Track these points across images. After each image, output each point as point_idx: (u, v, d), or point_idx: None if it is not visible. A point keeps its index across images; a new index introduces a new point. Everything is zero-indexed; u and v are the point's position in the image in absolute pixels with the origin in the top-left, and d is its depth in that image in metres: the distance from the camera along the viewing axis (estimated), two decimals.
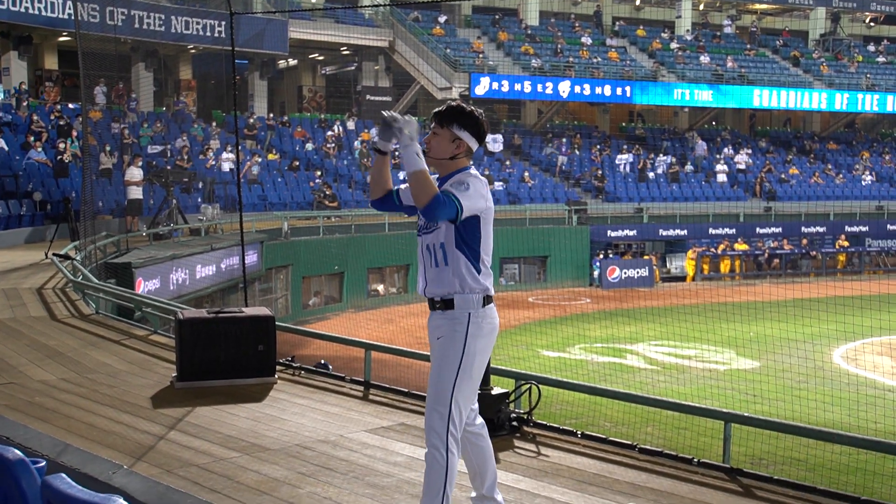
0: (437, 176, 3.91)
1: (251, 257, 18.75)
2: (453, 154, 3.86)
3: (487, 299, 3.86)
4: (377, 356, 7.31)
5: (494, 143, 32.86)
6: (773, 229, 31.66)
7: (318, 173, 27.93)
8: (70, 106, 26.06)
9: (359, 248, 23.76)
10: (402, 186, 4.04)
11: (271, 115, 31.48)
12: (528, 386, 5.90)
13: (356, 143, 30.73)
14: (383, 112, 3.84)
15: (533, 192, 31.05)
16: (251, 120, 29.51)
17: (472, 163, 3.97)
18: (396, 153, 3.98)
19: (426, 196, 3.63)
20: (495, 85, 33.11)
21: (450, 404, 3.76)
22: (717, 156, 36.30)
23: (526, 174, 31.86)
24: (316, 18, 31.54)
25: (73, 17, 20.43)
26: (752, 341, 17.76)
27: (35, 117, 24.04)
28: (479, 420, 4.07)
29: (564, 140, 34.97)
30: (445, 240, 3.80)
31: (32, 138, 22.67)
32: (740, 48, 40.57)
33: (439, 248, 3.81)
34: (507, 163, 32.51)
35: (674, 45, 39.00)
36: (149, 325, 9.79)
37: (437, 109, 3.92)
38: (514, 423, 5.77)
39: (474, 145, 3.89)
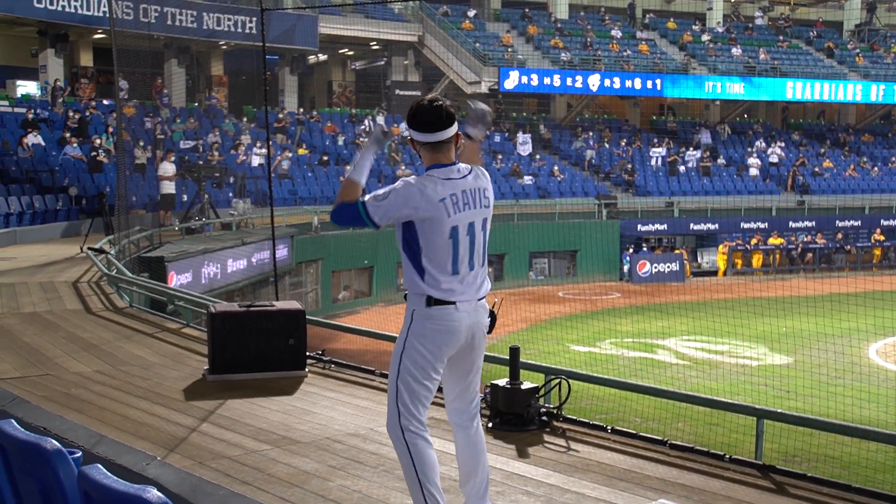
0: None
1: (282, 251, 18.87)
2: (420, 155, 3.82)
3: (432, 300, 3.75)
4: None
5: (523, 144, 32.73)
6: (807, 223, 31.30)
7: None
8: (105, 102, 26.38)
9: (388, 242, 23.75)
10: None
11: (301, 110, 31.64)
12: (557, 381, 5.89)
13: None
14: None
15: (562, 187, 30.94)
16: (281, 115, 29.67)
17: (443, 160, 3.78)
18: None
19: (337, 199, 3.77)
20: (524, 79, 33.00)
21: (396, 396, 3.77)
22: (749, 149, 35.95)
23: (555, 168, 31.75)
24: (346, 14, 31.63)
25: (107, 15, 20.66)
26: (785, 336, 17.57)
27: (71, 113, 24.36)
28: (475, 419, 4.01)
29: (594, 134, 34.79)
30: (397, 238, 3.84)
31: (68, 134, 22.98)
32: (773, 40, 40.09)
33: (398, 248, 3.86)
34: (537, 157, 32.40)
35: (705, 38, 38.61)
36: (181, 319, 9.88)
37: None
38: (544, 418, 5.76)
39: (422, 138, 3.74)
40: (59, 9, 25.30)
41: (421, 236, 3.74)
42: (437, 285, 3.75)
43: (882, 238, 31.53)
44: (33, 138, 22.12)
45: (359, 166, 3.79)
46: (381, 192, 3.72)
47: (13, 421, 2.45)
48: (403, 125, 3.75)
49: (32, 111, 23.62)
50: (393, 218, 3.73)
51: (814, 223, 31.27)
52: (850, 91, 37.28)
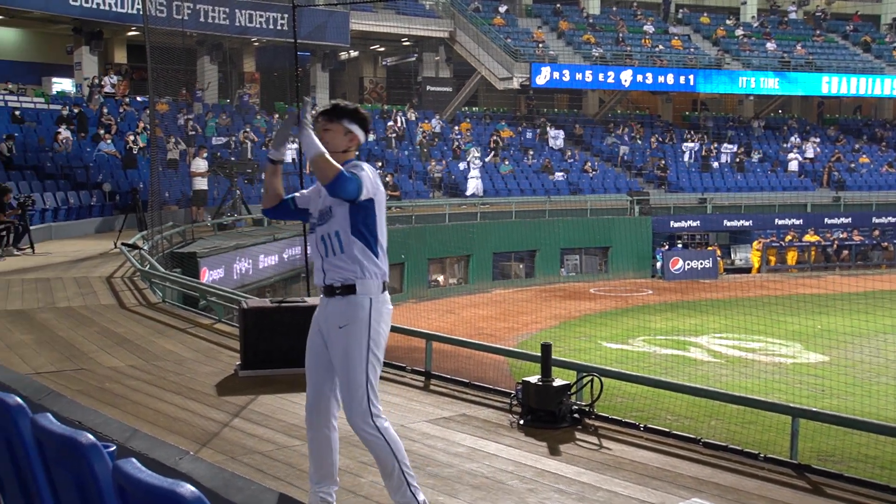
0: None
1: None
2: (346, 147, 3.97)
3: (384, 285, 3.93)
4: (438, 346, 7.32)
5: (555, 139, 32.62)
6: (843, 220, 30.88)
7: (380, 164, 28.07)
8: (138, 99, 26.64)
9: (419, 238, 23.83)
10: (297, 194, 4.16)
11: None
12: (589, 378, 5.85)
13: (417, 134, 30.80)
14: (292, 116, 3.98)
15: (594, 183, 30.77)
16: (313, 111, 29.75)
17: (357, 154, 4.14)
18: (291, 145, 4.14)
19: (332, 172, 3.72)
20: (556, 74, 32.85)
21: (366, 388, 3.82)
22: (784, 144, 35.54)
23: (587, 164, 31.59)
24: (377, 10, 31.67)
25: (141, 12, 20.85)
26: (820, 335, 17.34)
27: (105, 110, 24.62)
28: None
29: (626, 130, 34.58)
30: (340, 227, 3.85)
31: (102, 131, 23.23)
32: (808, 34, 39.57)
33: (335, 236, 3.86)
34: (569, 153, 32.26)
35: (739, 32, 38.21)
36: (213, 314, 9.94)
37: (323, 109, 4.06)
38: (576, 416, 5.73)
39: (363, 138, 4.05)
40: (94, 6, 25.61)
41: (378, 218, 3.89)
42: (386, 265, 3.94)
43: None
44: (68, 134, 22.39)
45: (313, 142, 3.81)
46: (355, 168, 3.84)
47: (49, 415, 2.46)
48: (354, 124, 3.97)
49: (68, 108, 23.90)
50: (370, 192, 3.84)
51: (850, 220, 30.84)
52: (887, 86, 36.68)
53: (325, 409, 3.99)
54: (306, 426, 4.04)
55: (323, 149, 3.78)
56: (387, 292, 3.94)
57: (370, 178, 3.83)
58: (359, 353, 3.82)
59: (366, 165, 3.91)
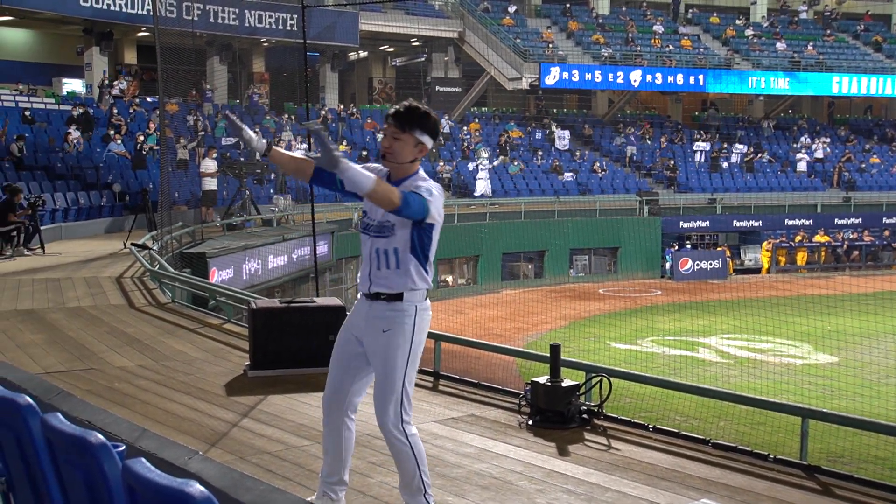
0: (386, 173, 3.81)
1: (322, 248, 18.94)
2: (414, 158, 3.79)
3: (427, 293, 3.92)
4: (446, 347, 7.32)
5: (561, 139, 32.59)
6: (853, 220, 30.77)
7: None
8: (148, 99, 26.72)
9: None
10: None
11: (342, 106, 31.78)
12: (598, 378, 5.85)
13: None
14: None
15: (603, 183, 30.73)
16: (322, 111, 29.82)
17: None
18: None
19: (395, 198, 3.55)
20: (565, 75, 32.82)
21: (400, 394, 3.82)
22: (795, 145, 35.43)
23: (596, 164, 31.55)
24: (386, 10, 31.70)
25: (151, 13, 20.93)
26: (830, 335, 17.28)
27: (115, 111, 24.69)
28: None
29: (635, 130, 34.51)
30: (400, 245, 3.76)
31: (112, 131, 23.31)
32: (818, 34, 39.44)
33: (392, 252, 3.77)
34: (578, 153, 32.22)
35: (749, 32, 38.11)
36: (222, 315, 9.96)
37: (396, 111, 3.78)
38: (585, 416, 5.73)
39: (430, 146, 3.87)
40: (105, 7, 25.70)
41: (434, 237, 3.83)
42: (430, 279, 3.91)
43: None
44: (78, 135, 22.47)
45: (359, 175, 3.52)
46: (425, 191, 3.69)
47: (59, 415, 2.47)
48: (424, 134, 3.78)
49: (77, 108, 24.00)
50: (435, 216, 3.74)
51: (860, 220, 30.73)
52: None
53: (341, 405, 4.00)
54: (322, 418, 4.06)
55: (373, 177, 3.50)
56: (428, 300, 3.93)
57: (436, 203, 3.70)
58: (398, 359, 3.82)
59: (434, 188, 3.73)
